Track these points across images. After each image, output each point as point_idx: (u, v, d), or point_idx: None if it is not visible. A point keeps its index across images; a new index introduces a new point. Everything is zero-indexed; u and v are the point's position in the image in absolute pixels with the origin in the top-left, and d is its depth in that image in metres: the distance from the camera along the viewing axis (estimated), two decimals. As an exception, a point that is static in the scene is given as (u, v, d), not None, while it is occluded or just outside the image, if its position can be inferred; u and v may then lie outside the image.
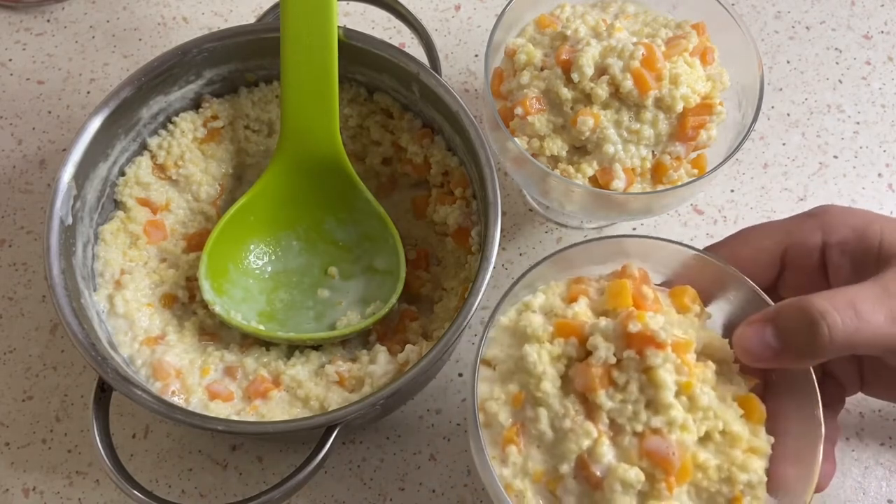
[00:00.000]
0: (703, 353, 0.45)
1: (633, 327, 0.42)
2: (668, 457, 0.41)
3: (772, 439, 0.44)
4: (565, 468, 0.42)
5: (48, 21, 0.75)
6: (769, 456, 0.43)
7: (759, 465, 0.42)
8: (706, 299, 0.48)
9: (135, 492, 0.48)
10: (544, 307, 0.46)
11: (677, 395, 0.42)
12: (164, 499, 0.48)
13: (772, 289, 0.49)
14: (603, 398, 0.42)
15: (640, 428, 0.42)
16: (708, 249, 0.49)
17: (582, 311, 0.45)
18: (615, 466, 0.41)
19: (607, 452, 0.42)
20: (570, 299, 0.46)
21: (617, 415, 0.42)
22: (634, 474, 0.41)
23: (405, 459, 0.58)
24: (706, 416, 0.42)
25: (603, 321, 0.43)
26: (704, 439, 0.43)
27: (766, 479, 0.42)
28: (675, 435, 0.41)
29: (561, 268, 0.48)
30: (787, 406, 0.45)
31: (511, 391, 0.44)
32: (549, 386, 0.43)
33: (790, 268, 0.48)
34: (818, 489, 0.44)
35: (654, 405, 0.42)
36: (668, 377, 0.41)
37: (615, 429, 0.42)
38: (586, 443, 0.42)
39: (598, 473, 0.41)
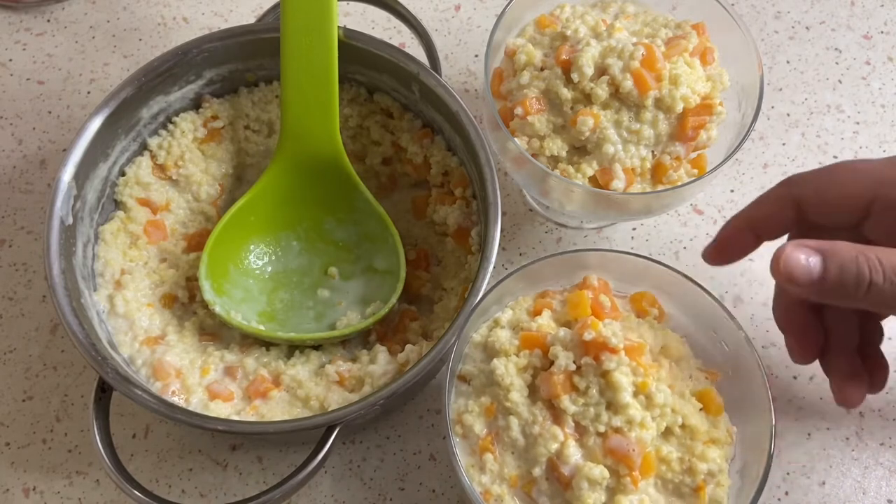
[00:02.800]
0: (662, 353, 0.48)
1: (588, 335, 0.45)
2: (629, 453, 0.44)
3: (734, 429, 0.47)
4: (537, 471, 0.45)
5: (48, 21, 0.75)
6: (732, 444, 0.47)
7: (717, 455, 0.45)
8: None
9: (135, 492, 0.48)
10: (512, 322, 0.50)
11: (635, 394, 0.45)
12: (164, 499, 0.48)
13: (856, 228, 0.49)
14: (566, 403, 0.45)
15: (602, 428, 0.45)
16: (793, 178, 0.49)
17: (546, 323, 0.48)
18: (581, 466, 0.44)
19: (574, 453, 0.45)
20: (536, 312, 0.49)
21: (581, 417, 0.45)
22: (599, 472, 0.44)
23: (405, 459, 0.58)
24: (663, 412, 0.45)
25: (562, 331, 0.47)
26: (666, 434, 0.46)
27: (726, 467, 0.46)
28: (634, 432, 0.44)
29: (529, 282, 0.51)
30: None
31: (484, 403, 0.47)
32: (517, 396, 0.46)
33: (875, 216, 0.48)
34: (876, 391, 0.51)
35: (613, 406, 0.45)
36: (623, 379, 0.44)
37: (580, 431, 0.45)
38: (554, 446, 0.45)
39: (567, 473, 0.44)
